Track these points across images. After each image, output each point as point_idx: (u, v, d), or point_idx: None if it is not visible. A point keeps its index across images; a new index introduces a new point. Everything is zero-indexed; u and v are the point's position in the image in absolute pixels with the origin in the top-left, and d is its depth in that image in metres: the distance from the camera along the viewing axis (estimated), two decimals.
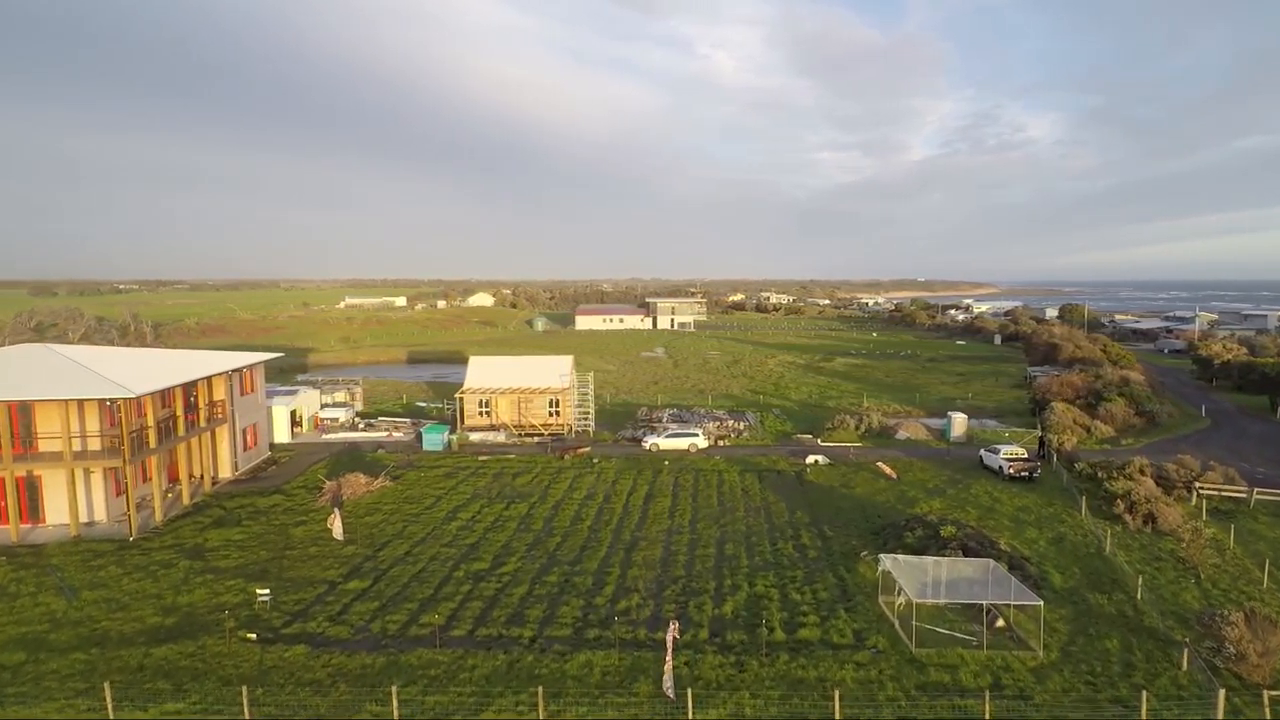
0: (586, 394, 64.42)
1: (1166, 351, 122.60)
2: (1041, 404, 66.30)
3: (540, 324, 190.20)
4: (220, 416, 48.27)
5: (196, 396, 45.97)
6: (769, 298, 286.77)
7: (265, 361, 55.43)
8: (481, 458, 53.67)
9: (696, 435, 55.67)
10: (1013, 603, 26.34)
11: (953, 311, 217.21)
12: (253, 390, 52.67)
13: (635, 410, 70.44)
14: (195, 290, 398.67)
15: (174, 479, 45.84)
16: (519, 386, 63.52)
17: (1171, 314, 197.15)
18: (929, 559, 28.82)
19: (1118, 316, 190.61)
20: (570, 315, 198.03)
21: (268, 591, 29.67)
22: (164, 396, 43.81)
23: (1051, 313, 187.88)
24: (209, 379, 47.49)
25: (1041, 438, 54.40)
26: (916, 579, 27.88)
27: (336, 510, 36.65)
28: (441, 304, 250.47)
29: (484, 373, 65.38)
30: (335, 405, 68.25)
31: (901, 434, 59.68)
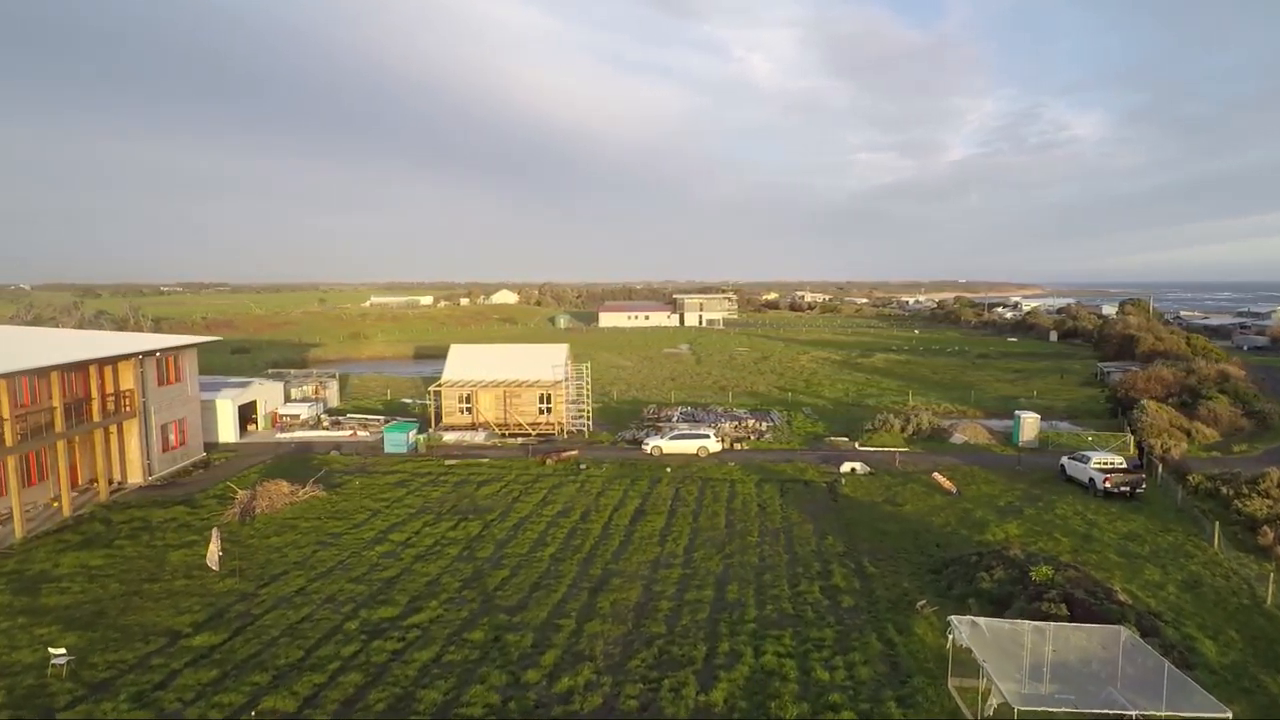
0: (581, 387, 55.24)
1: (1247, 348, 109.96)
2: (1126, 403, 55.52)
3: (563, 321, 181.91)
4: (128, 410, 40.04)
5: (90, 385, 37.73)
6: (804, 296, 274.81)
7: (201, 345, 47.30)
8: (449, 462, 44.83)
9: (707, 437, 46.15)
10: (1173, 713, 16.32)
11: (1000, 309, 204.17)
12: (178, 380, 44.38)
13: (644, 409, 61.13)
14: (236, 292, 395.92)
15: (72, 484, 37.85)
16: (505, 379, 54.60)
17: (1244, 310, 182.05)
18: (1025, 624, 19.04)
19: (1183, 313, 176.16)
20: (596, 313, 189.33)
21: (64, 652, 20.93)
22: (46, 383, 35.70)
23: (1109, 309, 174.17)
24: (114, 364, 39.42)
25: (1140, 443, 43.90)
26: (1009, 657, 18.19)
27: (216, 532, 27.91)
28: (465, 301, 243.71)
29: (465, 363, 56.57)
30: (300, 400, 60.04)
31: (958, 437, 49.50)
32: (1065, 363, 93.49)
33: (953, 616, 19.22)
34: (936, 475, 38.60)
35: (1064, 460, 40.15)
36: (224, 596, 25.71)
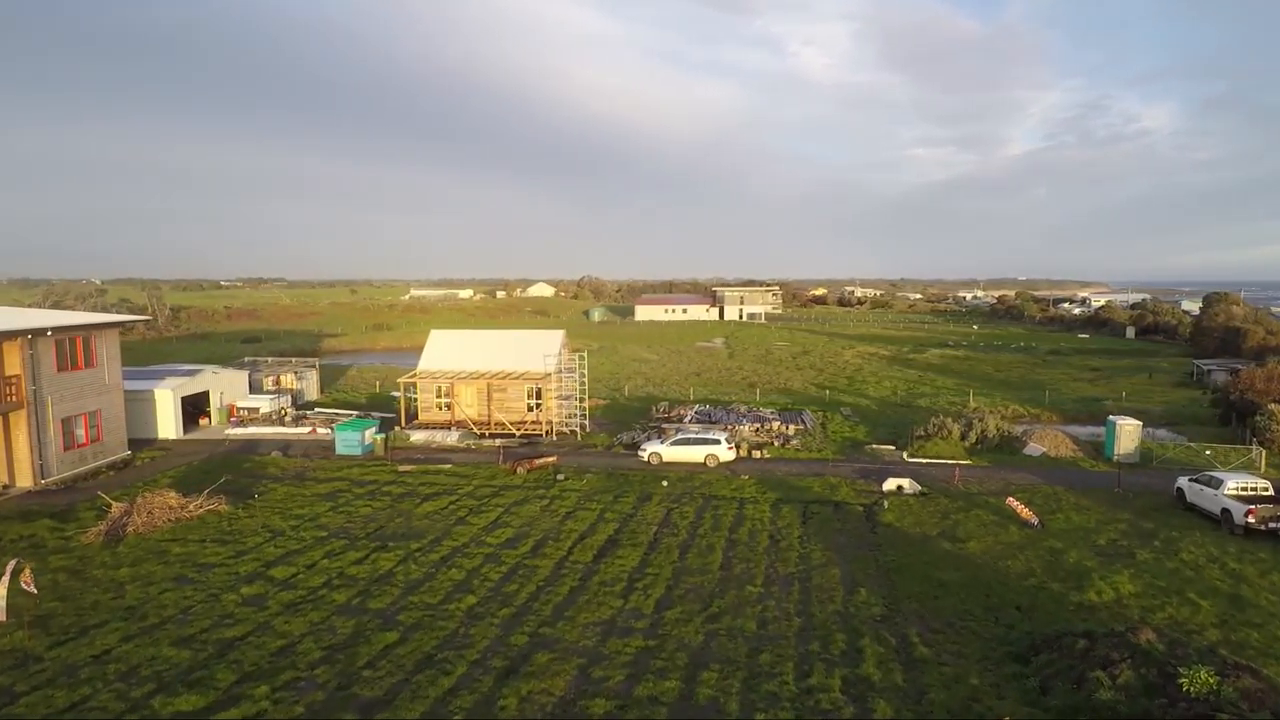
0: (574, 378, 47.00)
1: None
2: (1242, 408, 45.19)
3: (597, 314, 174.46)
4: (13, 400, 33.28)
5: None
6: (853, 292, 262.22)
7: (122, 325, 40.50)
8: (402, 468, 37.18)
9: (718, 443, 37.58)
10: None
11: (1066, 305, 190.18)
12: (90, 365, 37.54)
13: (653, 406, 52.79)
14: (292, 288, 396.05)
15: None
16: (489, 370, 46.81)
17: None
18: None
19: (1275, 309, 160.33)
20: (633, 306, 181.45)
21: None
22: None
23: (1188, 305, 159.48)
24: None
25: None
26: None
27: (13, 566, 20.47)
28: (501, 294, 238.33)
29: (445, 352, 48.90)
30: (267, 393, 53.21)
31: (1033, 447, 40.00)
32: (1149, 360, 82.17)
33: None
34: (1011, 501, 29.41)
35: (1182, 482, 30.55)
36: None
